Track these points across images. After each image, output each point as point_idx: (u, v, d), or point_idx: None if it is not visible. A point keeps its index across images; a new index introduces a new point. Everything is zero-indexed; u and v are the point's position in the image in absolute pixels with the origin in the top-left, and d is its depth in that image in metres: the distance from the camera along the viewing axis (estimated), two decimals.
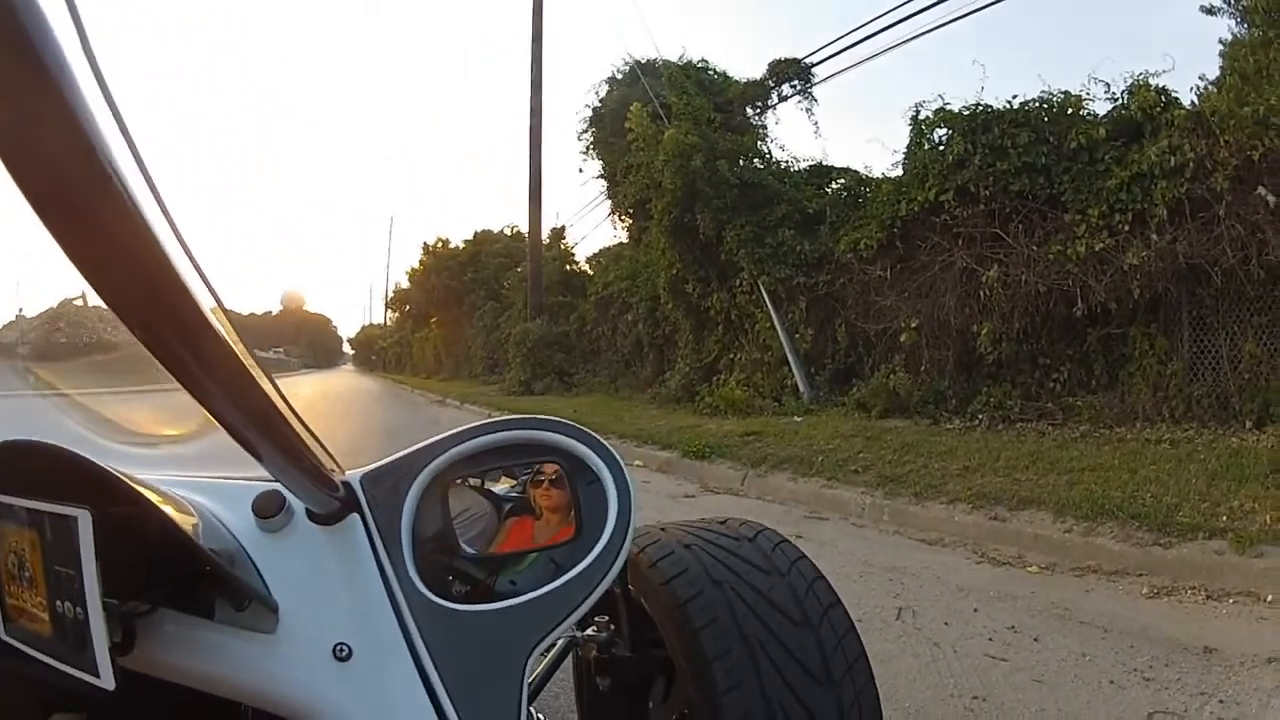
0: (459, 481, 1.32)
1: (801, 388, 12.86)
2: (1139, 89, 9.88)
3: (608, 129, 20.03)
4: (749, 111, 17.18)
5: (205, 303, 0.62)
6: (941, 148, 11.11)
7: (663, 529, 1.85)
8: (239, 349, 0.69)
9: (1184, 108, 9.43)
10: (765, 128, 16.58)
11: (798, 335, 13.18)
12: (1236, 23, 10.95)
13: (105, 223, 0.50)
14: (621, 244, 22.98)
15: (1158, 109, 9.58)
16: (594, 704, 2.02)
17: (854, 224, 12.48)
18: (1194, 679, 3.68)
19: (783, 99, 17.38)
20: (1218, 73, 11.11)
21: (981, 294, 10.38)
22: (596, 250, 26.86)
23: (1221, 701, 3.46)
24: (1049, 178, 10.10)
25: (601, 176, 21.23)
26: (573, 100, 65.79)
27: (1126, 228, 9.25)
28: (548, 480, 1.33)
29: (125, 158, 0.49)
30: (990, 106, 10.77)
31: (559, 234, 27.91)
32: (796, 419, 11.48)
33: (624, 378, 19.86)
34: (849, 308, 12.46)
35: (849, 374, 12.64)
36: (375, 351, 79.88)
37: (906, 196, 11.40)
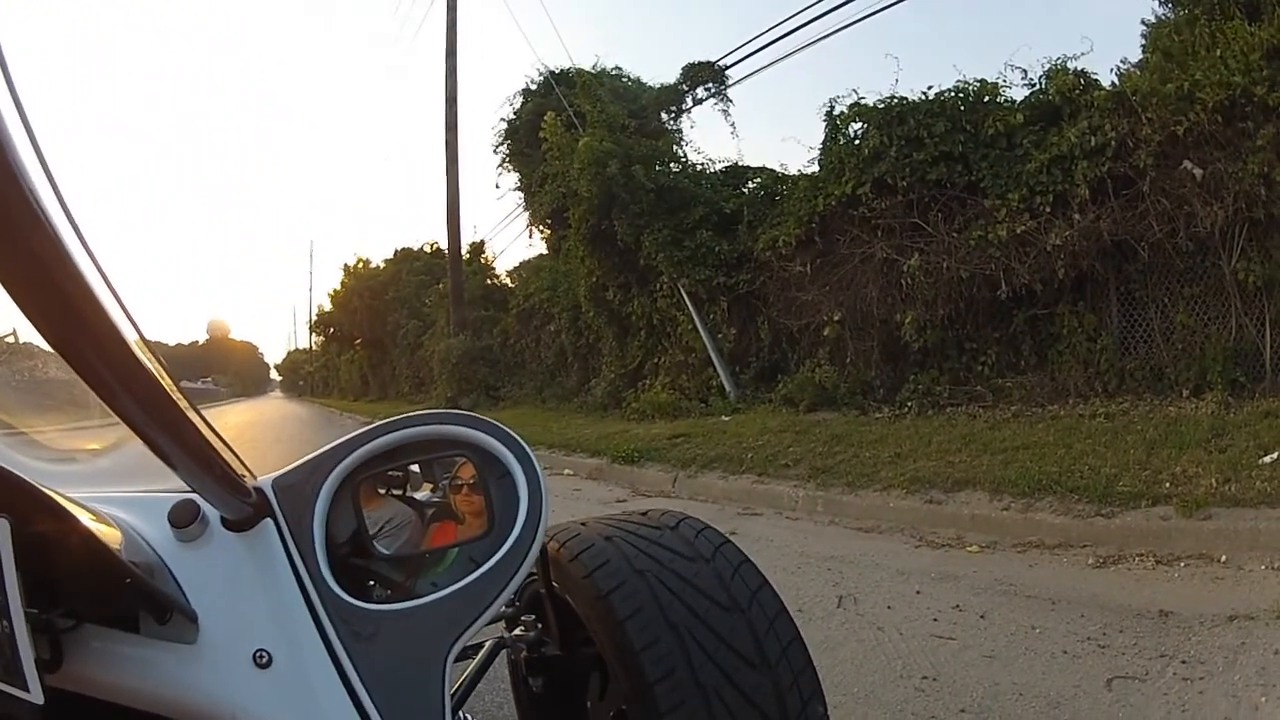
0: (382, 492, 1.32)
1: (727, 387, 12.56)
2: (1057, 73, 9.88)
3: (523, 141, 19.94)
4: (664, 117, 17.04)
5: (119, 319, 0.64)
6: (857, 142, 10.97)
7: (583, 523, 1.77)
8: (148, 359, 0.71)
9: (1104, 89, 9.42)
10: (680, 132, 16.46)
11: (720, 335, 12.87)
12: (1160, 3, 11.06)
13: (23, 240, 0.52)
14: (541, 255, 22.72)
15: (1076, 91, 9.53)
16: (531, 706, 1.97)
17: (771, 222, 12.24)
18: (1151, 642, 3.57)
19: (698, 102, 17.28)
20: (1139, 54, 11.35)
21: (904, 283, 10.19)
22: (517, 264, 26.56)
23: (1184, 662, 3.34)
24: (967, 165, 10.01)
25: (518, 189, 21.04)
26: (489, 114, 65.43)
27: (1048, 209, 9.15)
28: (466, 485, 1.31)
29: (45, 187, 0.51)
30: (905, 99, 10.66)
31: (478, 248, 27.25)
32: (724, 418, 11.19)
33: (550, 388, 19.42)
34: (770, 305, 12.20)
35: (774, 370, 12.37)
36: (302, 376, 78.37)
37: (823, 192, 11.21)
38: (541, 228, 20.77)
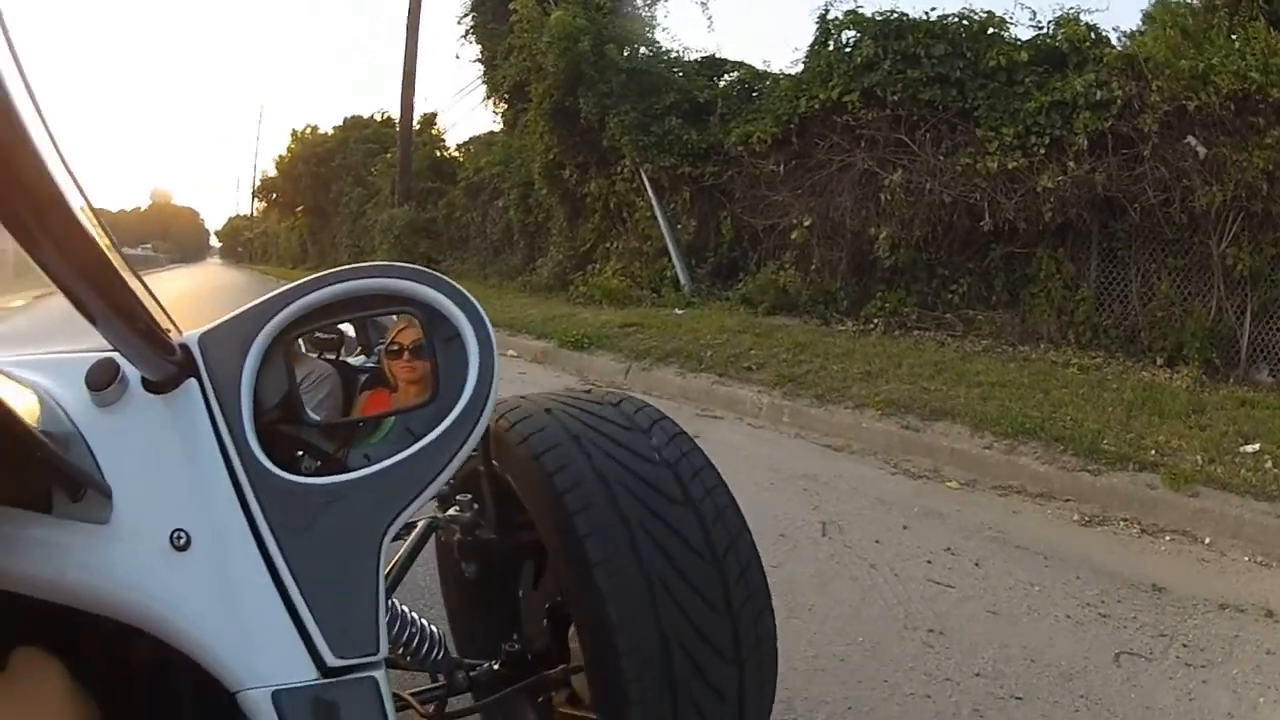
0: (304, 351, 1.26)
1: (682, 280, 11.25)
2: (1067, 22, 8.99)
3: (489, 14, 18.33)
4: (638, 2, 15.60)
5: (45, 153, 0.54)
6: (849, 49, 9.85)
7: (524, 397, 1.56)
8: (75, 200, 0.60)
9: (1114, 47, 8.69)
10: (655, 18, 15.00)
11: (680, 226, 11.50)
12: None
13: None
14: (492, 132, 21.18)
15: (1086, 44, 8.70)
16: (459, 592, 1.84)
17: (746, 118, 10.91)
18: (1150, 618, 3.35)
19: None
20: (1137, 23, 10.30)
21: (882, 198, 9.16)
22: (467, 139, 24.68)
23: (1185, 646, 3.15)
24: (962, 91, 9.09)
25: (479, 61, 19.50)
26: None
27: (1042, 151, 8.38)
28: (407, 350, 1.24)
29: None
30: (906, 15, 9.59)
31: (430, 120, 25.29)
32: (677, 311, 9.98)
33: (493, 265, 17.91)
34: (736, 201, 10.90)
35: (732, 268, 11.18)
36: (241, 243, 74.38)
37: (807, 94, 10.00)
38: (499, 102, 19.20)
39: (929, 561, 3.75)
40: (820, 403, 6.36)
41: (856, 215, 9.55)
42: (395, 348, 1.25)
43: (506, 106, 18.73)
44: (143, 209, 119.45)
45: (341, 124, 36.64)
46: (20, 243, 0.58)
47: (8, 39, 0.48)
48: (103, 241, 0.67)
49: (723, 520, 1.39)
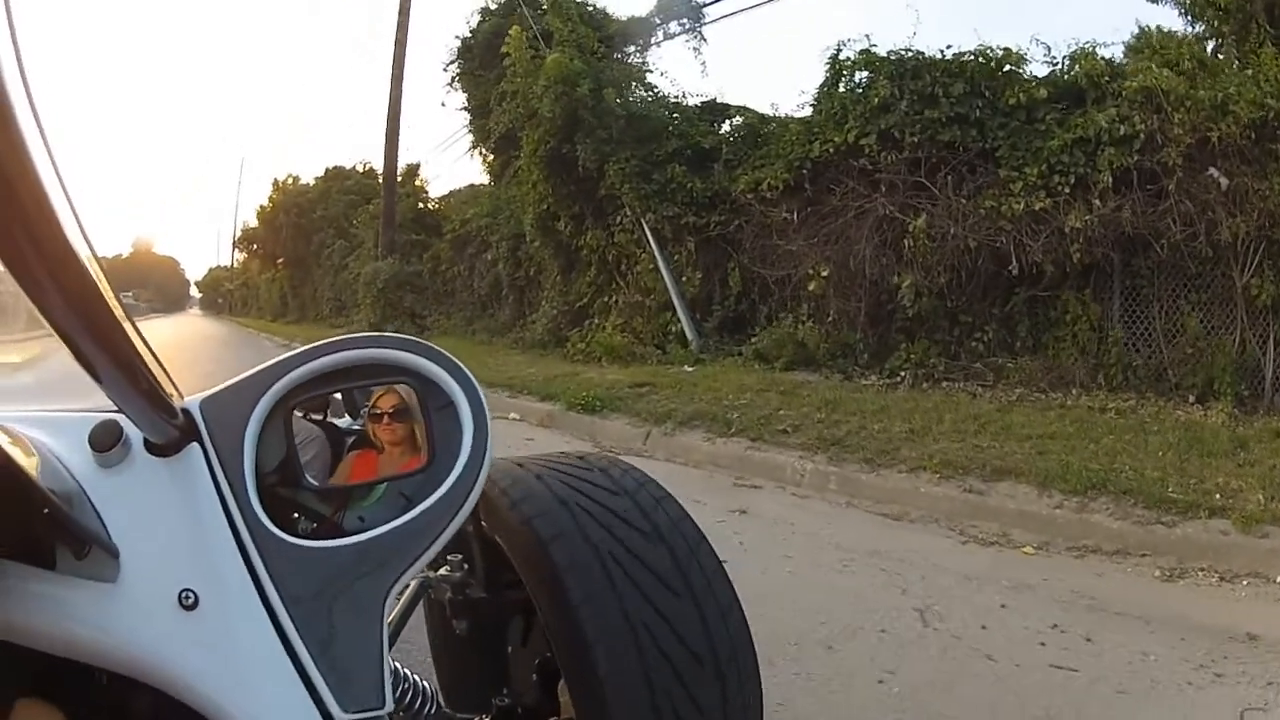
0: (298, 415, 1.18)
1: (689, 335, 10.57)
2: (1082, 56, 8.72)
3: (476, 61, 17.97)
4: (629, 49, 15.18)
5: (57, 203, 0.53)
6: (861, 90, 9.45)
7: (519, 463, 1.58)
8: (85, 257, 0.59)
9: (1134, 81, 8.29)
10: (647, 66, 14.59)
11: (685, 279, 10.88)
12: (1181, 15, 9.81)
13: None
14: (473, 185, 20.95)
15: (1104, 78, 8.40)
16: (449, 650, 1.78)
17: (754, 163, 10.39)
18: (1256, 669, 3.21)
19: (669, 37, 15.50)
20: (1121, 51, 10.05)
21: (905, 244, 8.66)
22: (447, 192, 24.16)
23: None
24: (982, 131, 8.76)
25: (465, 109, 19.10)
26: (435, 32, 61.59)
27: (1067, 190, 8.04)
28: (386, 415, 1.23)
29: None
30: (922, 53, 9.21)
31: (413, 171, 24.81)
32: (687, 369, 9.33)
33: (481, 320, 17.18)
34: (744, 251, 10.31)
35: (739, 322, 10.56)
36: (222, 294, 73.88)
37: (820, 137, 9.55)
38: (485, 152, 18.73)
39: (1042, 644, 3.45)
40: (870, 467, 5.79)
41: (876, 263, 9.03)
42: (377, 412, 1.24)
43: (494, 156, 18.28)
44: (125, 256, 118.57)
45: (323, 174, 36.07)
46: (28, 294, 0.57)
47: (24, 79, 0.46)
48: (110, 297, 0.65)
49: (699, 563, 1.38)
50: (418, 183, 24.80)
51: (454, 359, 1.15)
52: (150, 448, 0.98)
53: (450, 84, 19.26)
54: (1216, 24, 9.15)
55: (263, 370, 1.08)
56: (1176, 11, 9.77)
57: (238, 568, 0.93)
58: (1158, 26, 9.66)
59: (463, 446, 1.08)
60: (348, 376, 1.13)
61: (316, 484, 1.15)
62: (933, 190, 8.77)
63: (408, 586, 1.62)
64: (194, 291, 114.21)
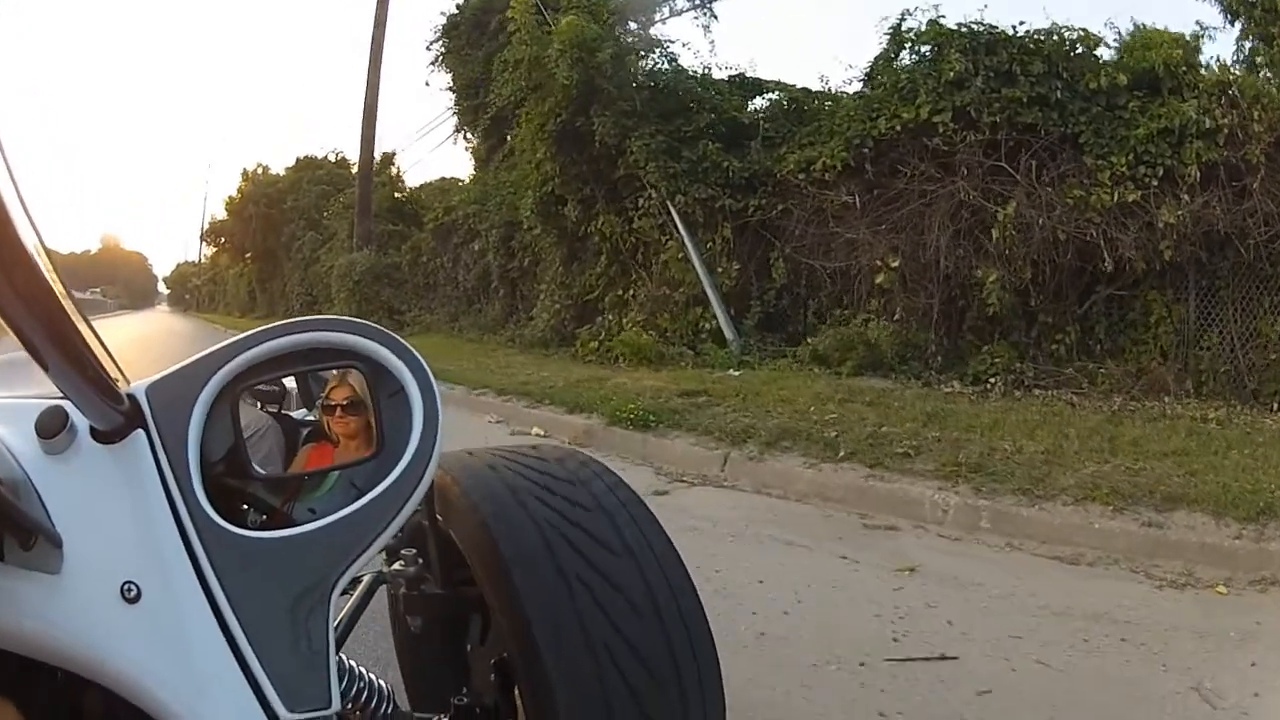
0: (248, 400, 1.16)
1: (727, 333, 9.30)
2: (1160, 44, 8.06)
3: (464, 38, 16.82)
4: (631, 25, 13.85)
5: (5, 199, 0.54)
6: (928, 63, 8.54)
7: (470, 452, 1.51)
8: (29, 239, 0.59)
9: (1213, 73, 8.04)
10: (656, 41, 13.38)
11: (720, 270, 9.61)
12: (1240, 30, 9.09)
13: None
14: (443, 178, 20.26)
15: (1182, 68, 7.83)
16: (409, 646, 1.79)
17: (802, 141, 9.28)
18: None
19: (675, 13, 14.26)
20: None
21: (992, 234, 7.67)
22: (419, 184, 22.98)
23: None
24: (1063, 115, 8.01)
25: (450, 89, 17.85)
26: (412, 12, 59.22)
27: (1155, 183, 7.46)
28: (339, 407, 1.18)
29: None
30: (995, 27, 8.36)
31: (389, 159, 23.25)
32: (732, 373, 8.08)
33: (467, 316, 15.81)
34: (789, 239, 9.10)
35: (781, 319, 9.39)
36: (189, 290, 71.74)
37: (885, 113, 8.51)
38: (471, 136, 17.55)
39: None
40: (1029, 499, 4.68)
41: (952, 254, 8.00)
42: (330, 404, 1.15)
43: (481, 140, 17.00)
44: (92, 252, 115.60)
45: (294, 164, 34.19)
46: None
47: None
48: (56, 285, 0.65)
49: (666, 577, 1.27)
50: (393, 171, 23.22)
51: (405, 343, 1.06)
52: (96, 435, 0.93)
53: (435, 63, 17.99)
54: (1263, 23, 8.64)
55: (209, 354, 1.02)
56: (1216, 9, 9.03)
57: (181, 560, 0.88)
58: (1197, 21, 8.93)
59: (412, 434, 1.00)
60: (296, 361, 1.06)
61: (264, 473, 1.08)
62: (1014, 176, 7.83)
63: (360, 581, 1.56)
64: (162, 288, 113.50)
